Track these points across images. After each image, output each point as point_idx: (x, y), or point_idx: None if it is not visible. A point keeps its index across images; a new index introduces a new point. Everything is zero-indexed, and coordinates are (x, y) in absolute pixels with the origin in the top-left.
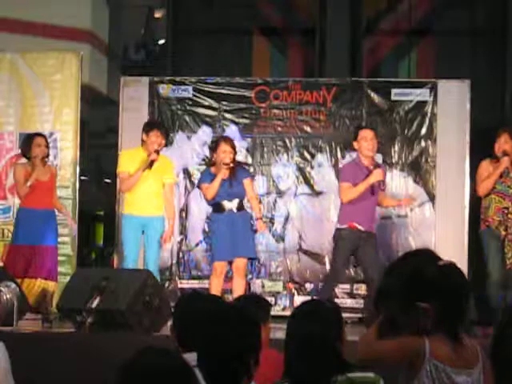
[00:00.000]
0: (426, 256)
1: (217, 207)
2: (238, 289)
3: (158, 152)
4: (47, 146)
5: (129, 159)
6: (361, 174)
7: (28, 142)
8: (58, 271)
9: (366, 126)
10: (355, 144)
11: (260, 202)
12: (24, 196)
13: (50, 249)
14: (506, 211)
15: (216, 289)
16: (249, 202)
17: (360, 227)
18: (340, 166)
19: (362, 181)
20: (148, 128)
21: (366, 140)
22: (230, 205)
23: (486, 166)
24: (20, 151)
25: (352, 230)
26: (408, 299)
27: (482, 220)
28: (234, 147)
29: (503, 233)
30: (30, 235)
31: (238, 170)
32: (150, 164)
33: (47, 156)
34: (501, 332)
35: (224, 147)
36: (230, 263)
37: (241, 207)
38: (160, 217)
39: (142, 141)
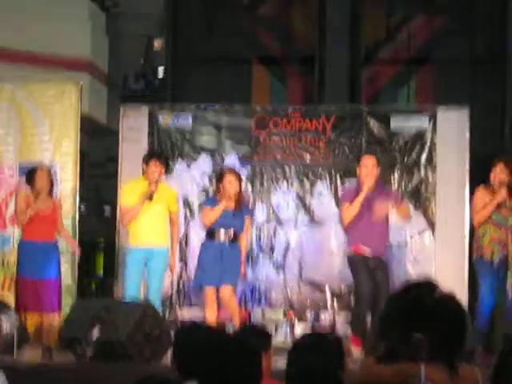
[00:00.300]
0: (426, 286)
1: (211, 234)
2: (234, 317)
3: (157, 182)
4: (50, 179)
5: (130, 192)
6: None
7: (31, 174)
8: None
9: (370, 153)
10: (358, 170)
11: (260, 230)
12: (24, 226)
13: (52, 282)
14: (499, 240)
15: (211, 318)
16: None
17: (367, 250)
18: (340, 193)
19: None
20: (147, 158)
21: (367, 167)
22: (225, 235)
23: (481, 195)
24: (25, 181)
25: (358, 256)
26: (406, 329)
27: (475, 249)
28: (239, 179)
29: (495, 263)
30: (32, 269)
31: (243, 206)
32: (150, 196)
33: (51, 188)
34: (501, 361)
35: (229, 178)
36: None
37: (235, 239)
38: (164, 249)
39: (143, 171)
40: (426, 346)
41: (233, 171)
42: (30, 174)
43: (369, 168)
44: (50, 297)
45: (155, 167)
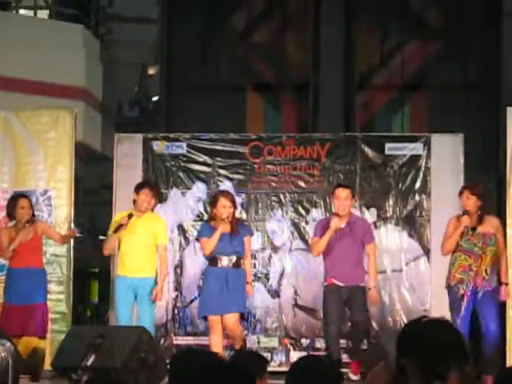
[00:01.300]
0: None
1: (213, 261)
2: (237, 339)
3: (130, 216)
4: (31, 207)
5: (119, 220)
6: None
7: (12, 203)
8: (53, 329)
9: (343, 185)
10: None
11: (255, 257)
12: (9, 258)
13: (39, 306)
14: (471, 268)
15: (217, 346)
16: (243, 260)
17: (338, 283)
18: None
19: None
20: (138, 188)
21: (339, 199)
22: (227, 261)
23: (453, 223)
24: (6, 212)
25: (332, 286)
26: (398, 355)
27: (446, 277)
28: (233, 202)
29: (462, 291)
30: (19, 295)
31: (240, 226)
32: (117, 228)
33: (32, 217)
34: None
35: (223, 202)
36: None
37: (238, 264)
38: (152, 277)
39: (134, 201)
40: (408, 371)
41: (226, 194)
42: (9, 204)
43: (341, 200)
44: (37, 321)
45: (145, 196)
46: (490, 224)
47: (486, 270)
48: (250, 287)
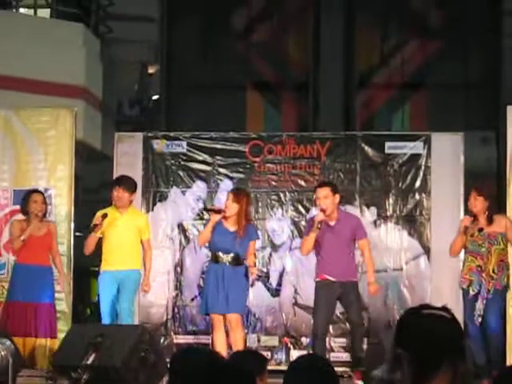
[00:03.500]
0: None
1: (213, 257)
2: (237, 343)
3: (105, 216)
4: (44, 203)
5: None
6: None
7: (25, 198)
8: None
9: (321, 183)
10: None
11: (255, 256)
12: (18, 251)
13: (46, 306)
14: (479, 269)
15: (220, 344)
16: (246, 257)
17: (330, 278)
18: None
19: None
20: (110, 185)
21: (319, 198)
22: (225, 257)
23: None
24: (19, 208)
25: (324, 281)
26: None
27: (460, 277)
28: (237, 201)
29: (472, 292)
30: (26, 292)
31: (250, 228)
32: (92, 228)
33: (45, 212)
34: None
35: (228, 195)
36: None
37: (236, 263)
38: (137, 270)
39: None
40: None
41: (235, 189)
42: (23, 199)
43: (321, 199)
44: (44, 321)
45: (117, 192)
46: (499, 224)
47: (493, 270)
48: (253, 269)
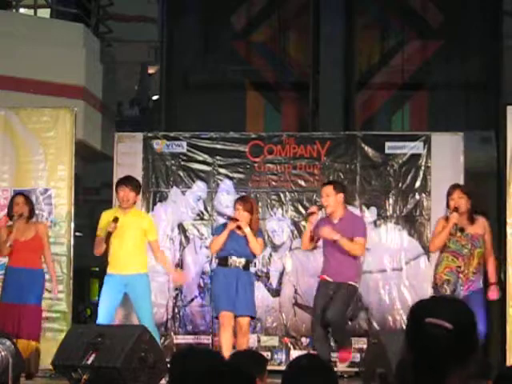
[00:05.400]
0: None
1: (223, 261)
2: (242, 347)
3: (116, 220)
4: (28, 203)
5: (105, 220)
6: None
7: (10, 202)
8: (53, 328)
9: (326, 182)
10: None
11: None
12: (8, 255)
13: (31, 308)
14: (458, 270)
15: (228, 345)
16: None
17: (328, 278)
18: None
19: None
20: (116, 186)
21: (322, 196)
22: (237, 262)
23: (441, 224)
24: (6, 213)
25: (322, 281)
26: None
27: (432, 277)
28: (247, 207)
29: (449, 291)
30: (15, 294)
31: (258, 234)
32: (108, 235)
33: (31, 213)
34: None
35: (237, 205)
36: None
37: (247, 267)
38: (145, 273)
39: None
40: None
41: (241, 199)
42: (8, 205)
43: (323, 198)
44: (27, 323)
45: (123, 192)
46: (479, 225)
47: (472, 272)
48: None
